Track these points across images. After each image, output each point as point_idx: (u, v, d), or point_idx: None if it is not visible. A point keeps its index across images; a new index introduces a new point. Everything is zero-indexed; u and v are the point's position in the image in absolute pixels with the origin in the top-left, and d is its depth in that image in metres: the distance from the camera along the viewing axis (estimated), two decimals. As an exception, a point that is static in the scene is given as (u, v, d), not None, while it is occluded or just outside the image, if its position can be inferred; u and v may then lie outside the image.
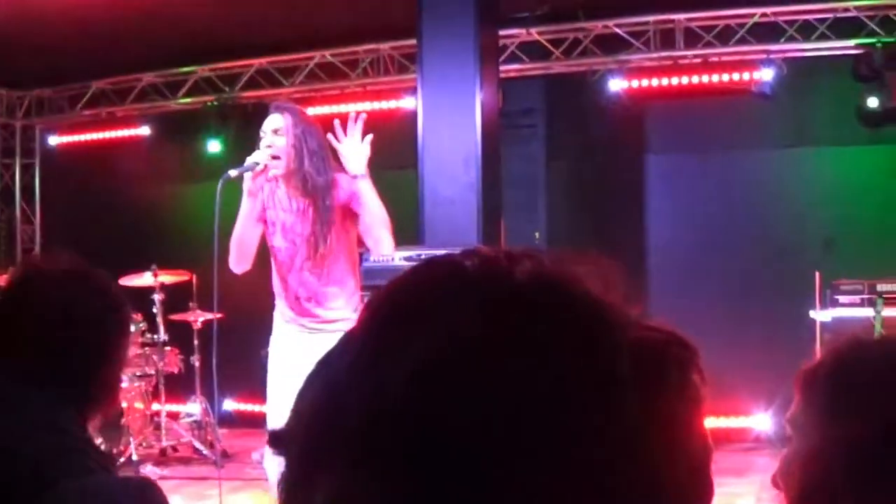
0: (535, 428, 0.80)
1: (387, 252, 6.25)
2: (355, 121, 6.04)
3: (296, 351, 6.08)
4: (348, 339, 0.90)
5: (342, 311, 6.11)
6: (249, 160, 6.00)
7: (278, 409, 6.05)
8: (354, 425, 0.82)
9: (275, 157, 5.99)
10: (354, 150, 6.00)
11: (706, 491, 0.90)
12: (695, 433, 0.89)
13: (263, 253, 6.34)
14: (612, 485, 0.81)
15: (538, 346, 0.82)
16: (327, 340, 5.96)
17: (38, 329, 2.45)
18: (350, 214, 6.07)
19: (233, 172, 6.06)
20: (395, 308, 0.89)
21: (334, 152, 6.09)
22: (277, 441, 0.90)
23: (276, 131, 6.02)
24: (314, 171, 5.97)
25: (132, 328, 2.66)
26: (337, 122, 6.05)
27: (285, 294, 6.21)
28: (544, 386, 0.81)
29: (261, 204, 6.15)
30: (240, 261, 6.18)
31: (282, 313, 6.30)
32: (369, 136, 6.06)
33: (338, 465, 0.82)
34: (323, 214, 5.98)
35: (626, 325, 0.87)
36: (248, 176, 6.01)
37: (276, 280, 6.28)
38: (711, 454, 0.91)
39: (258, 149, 6.05)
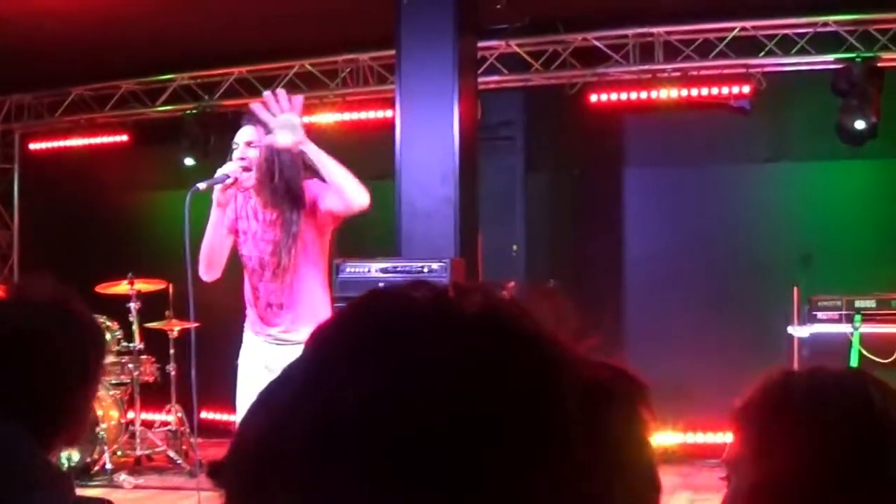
0: (477, 463, 0.79)
1: (360, 200, 5.92)
2: (277, 99, 5.92)
3: (262, 364, 6.08)
4: (292, 370, 0.89)
5: (308, 325, 5.97)
6: (220, 172, 5.96)
7: None
8: (299, 448, 0.81)
9: (246, 169, 5.97)
10: (283, 122, 5.89)
11: None
12: (643, 470, 0.87)
13: (238, 263, 6.34)
14: None
15: (482, 383, 0.82)
16: (293, 353, 6.01)
17: (2, 358, 2.44)
18: (321, 220, 6.05)
19: (202, 185, 6.04)
20: (342, 338, 0.88)
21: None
22: (216, 473, 0.88)
23: (248, 143, 6.00)
24: (284, 184, 5.97)
25: (102, 361, 2.64)
26: (268, 95, 5.94)
27: (255, 302, 6.19)
28: (488, 423, 0.80)
29: (233, 213, 6.17)
30: (209, 270, 6.17)
31: (251, 324, 6.28)
32: (299, 99, 6.04)
33: (282, 489, 0.82)
34: (289, 226, 5.97)
35: (573, 363, 0.86)
36: (217, 187, 5.97)
37: (247, 289, 6.27)
38: (660, 492, 0.89)
39: (230, 159, 6.03)
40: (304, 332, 5.92)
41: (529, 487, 0.80)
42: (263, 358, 6.11)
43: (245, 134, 6.08)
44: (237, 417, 6.36)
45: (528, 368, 0.83)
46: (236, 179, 5.96)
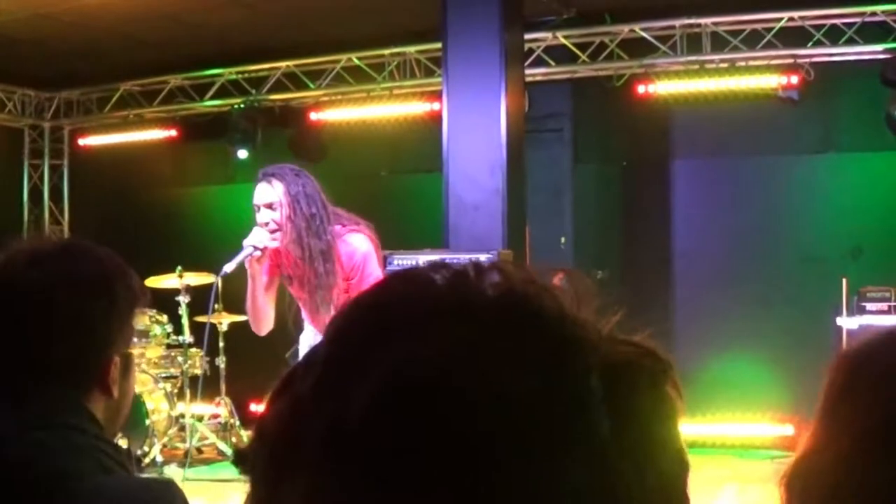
0: (501, 446, 0.79)
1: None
2: None
3: None
4: (311, 357, 0.88)
5: None
6: (247, 244, 5.87)
7: None
8: (319, 442, 0.81)
9: (273, 232, 5.87)
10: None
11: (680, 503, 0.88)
12: (669, 448, 0.86)
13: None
14: (575, 501, 0.80)
15: (505, 365, 0.81)
16: None
17: (22, 317, 2.35)
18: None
19: (229, 268, 6.02)
20: (361, 324, 0.87)
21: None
22: (241, 460, 0.89)
23: (269, 206, 5.89)
24: (314, 239, 5.86)
25: (135, 304, 2.46)
26: None
27: (314, 326, 6.17)
28: (511, 405, 0.80)
29: (269, 266, 6.07)
30: (261, 327, 6.13)
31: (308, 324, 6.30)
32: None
33: (303, 482, 0.81)
34: (323, 279, 5.85)
35: (596, 340, 0.85)
36: (247, 261, 5.90)
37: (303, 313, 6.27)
38: (687, 469, 0.87)
39: (255, 224, 5.94)
40: None
41: (555, 469, 0.80)
42: None
43: (263, 195, 5.94)
44: None
45: (549, 347, 0.83)
46: (265, 248, 5.89)
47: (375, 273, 5.94)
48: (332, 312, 5.89)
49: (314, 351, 0.89)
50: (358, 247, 5.95)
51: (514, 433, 0.79)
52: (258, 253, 5.83)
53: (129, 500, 2.19)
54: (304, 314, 6.25)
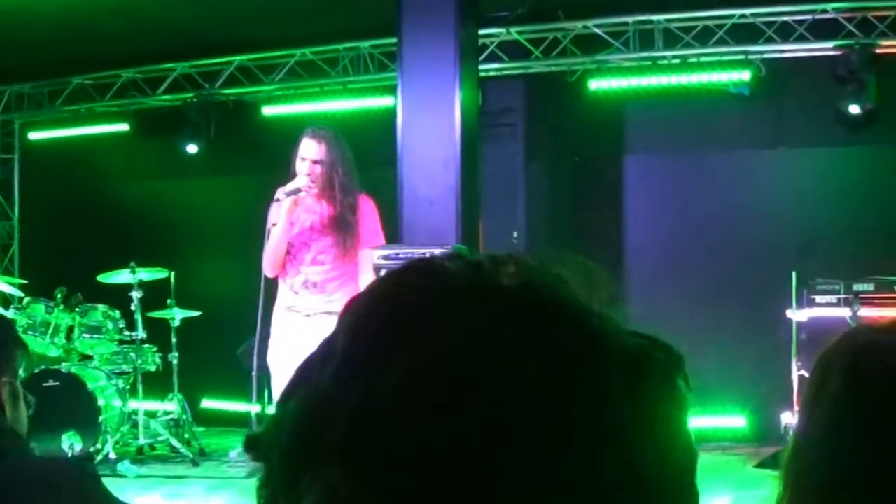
0: (523, 437, 0.79)
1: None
2: None
3: (300, 342, 6.76)
4: (329, 346, 0.88)
5: (340, 304, 6.52)
6: (292, 185, 6.94)
7: None
8: (342, 433, 0.81)
9: (313, 181, 6.96)
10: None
11: (692, 493, 0.88)
12: (681, 437, 0.87)
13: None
14: (601, 491, 0.80)
15: (526, 356, 0.81)
16: (328, 325, 6.58)
17: None
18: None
19: (282, 196, 6.99)
20: (377, 314, 0.87)
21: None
22: (255, 446, 0.89)
23: (314, 161, 6.95)
24: (344, 192, 6.98)
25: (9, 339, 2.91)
26: None
27: (292, 282, 7.03)
28: (533, 396, 0.80)
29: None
30: (275, 267, 7.07)
31: (283, 303, 7.04)
32: None
33: (325, 473, 0.81)
34: (349, 228, 7.02)
35: (613, 331, 0.86)
36: (288, 200, 6.94)
37: (283, 271, 7.10)
38: (697, 458, 0.89)
39: (294, 170, 7.00)
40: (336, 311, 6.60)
41: (582, 459, 0.80)
42: (299, 335, 6.96)
43: (309, 149, 6.97)
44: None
45: (573, 339, 0.83)
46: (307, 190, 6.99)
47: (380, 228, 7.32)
48: (349, 258, 6.94)
49: (330, 342, 0.89)
50: (375, 205, 7.30)
51: (542, 424, 0.80)
52: (302, 193, 6.94)
53: (48, 476, 2.44)
54: (285, 281, 7.10)
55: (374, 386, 0.81)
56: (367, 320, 0.88)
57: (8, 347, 2.81)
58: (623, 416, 0.82)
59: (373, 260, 7.10)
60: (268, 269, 6.99)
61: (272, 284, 7.22)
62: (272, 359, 6.92)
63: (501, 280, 0.87)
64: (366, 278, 6.94)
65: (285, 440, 0.86)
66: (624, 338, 0.87)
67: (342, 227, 6.96)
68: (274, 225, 7.01)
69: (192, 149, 12.58)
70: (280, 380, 6.72)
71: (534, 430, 0.79)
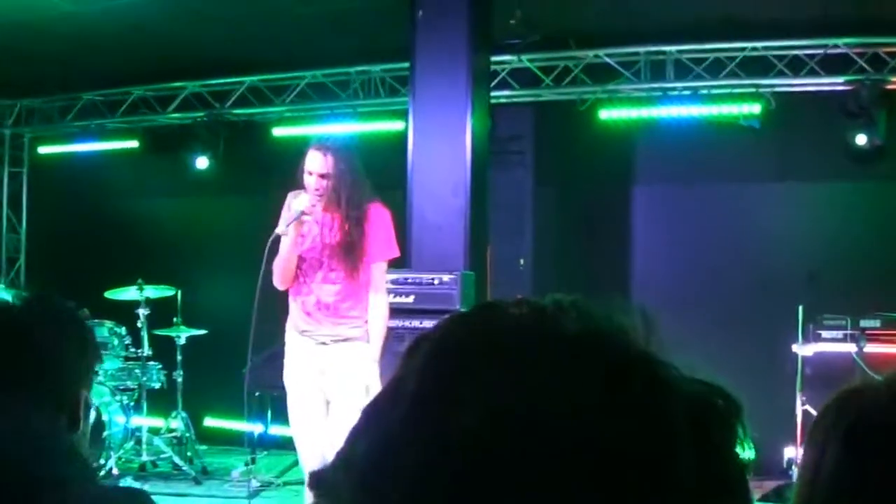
0: (592, 484, 0.80)
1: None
2: None
3: (312, 368, 6.58)
4: (397, 388, 0.89)
5: (356, 326, 6.62)
6: (296, 209, 6.53)
7: (305, 432, 6.58)
8: (417, 473, 0.82)
9: (320, 196, 6.57)
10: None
11: None
12: (741, 481, 0.89)
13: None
14: None
15: (593, 403, 0.83)
16: (342, 352, 6.37)
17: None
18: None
19: (281, 230, 6.61)
20: (445, 358, 0.88)
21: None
22: (319, 485, 0.91)
23: (322, 175, 6.54)
24: (351, 206, 6.60)
25: (94, 351, 2.74)
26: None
27: (304, 300, 6.68)
28: (601, 443, 0.81)
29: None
30: (285, 282, 6.72)
31: (296, 325, 6.72)
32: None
33: None
34: (356, 242, 6.61)
35: (675, 379, 0.88)
36: (294, 224, 6.57)
37: (295, 286, 6.75)
38: (752, 498, 0.91)
39: (301, 184, 6.60)
40: (350, 338, 6.61)
41: None
42: (312, 362, 6.66)
43: (316, 163, 6.57)
44: (294, 429, 6.71)
45: (636, 389, 0.84)
46: (311, 212, 6.57)
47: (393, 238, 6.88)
48: (360, 274, 6.59)
49: (398, 383, 0.90)
50: (389, 214, 6.86)
51: (611, 471, 0.81)
52: (307, 217, 6.53)
53: None
54: (295, 292, 6.75)
55: (444, 429, 0.83)
56: (436, 363, 0.89)
57: (92, 356, 2.67)
58: (689, 462, 0.83)
59: (385, 273, 6.86)
60: (278, 282, 6.74)
61: (271, 300, 6.92)
62: (289, 381, 6.68)
63: (565, 326, 0.88)
64: (378, 296, 6.69)
65: (355, 480, 0.87)
66: (686, 385, 0.88)
67: (351, 242, 6.62)
68: (282, 235, 6.73)
69: (200, 166, 12.61)
70: (297, 404, 6.60)
71: (603, 477, 0.80)
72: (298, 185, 6.71)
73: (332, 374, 6.52)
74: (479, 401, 0.83)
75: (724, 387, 0.92)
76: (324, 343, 6.59)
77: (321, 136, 7.32)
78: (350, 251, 6.60)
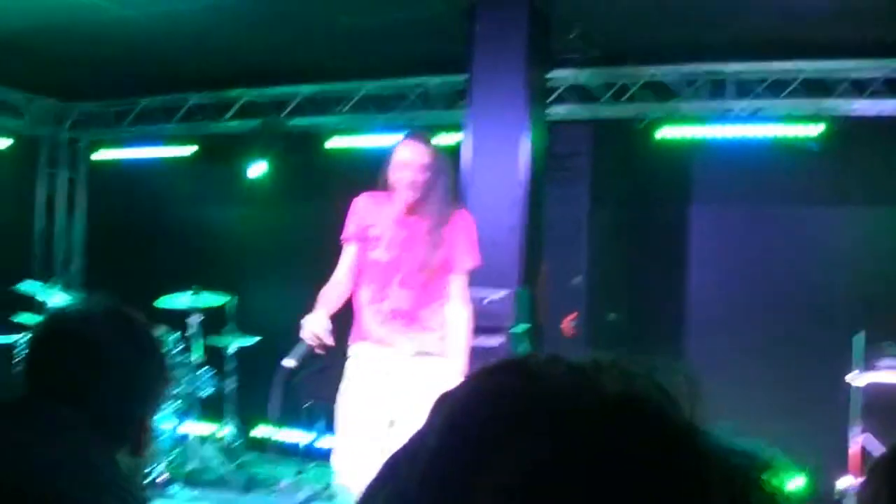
0: None
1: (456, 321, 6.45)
2: None
3: (381, 384, 6.21)
4: (419, 443, 0.87)
5: (435, 339, 6.31)
6: (305, 338, 6.03)
7: (351, 447, 6.19)
8: None
9: (410, 189, 6.30)
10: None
11: None
12: None
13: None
14: None
15: (629, 471, 0.80)
16: (420, 370, 6.12)
17: (71, 368, 2.45)
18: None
19: (290, 363, 6.19)
20: (474, 418, 0.85)
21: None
22: None
23: (421, 167, 6.26)
24: (441, 208, 6.33)
25: (167, 374, 2.65)
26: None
27: (379, 307, 6.33)
28: None
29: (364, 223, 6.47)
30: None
31: (367, 334, 6.36)
32: None
33: None
34: (439, 244, 6.31)
35: (715, 450, 0.85)
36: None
37: (367, 294, 6.40)
38: None
39: (392, 185, 6.32)
40: (427, 352, 6.28)
41: None
42: (379, 376, 6.34)
43: (416, 154, 6.32)
44: (338, 436, 6.41)
45: (673, 458, 0.82)
46: (322, 339, 6.03)
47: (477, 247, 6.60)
48: (441, 283, 6.33)
49: (420, 438, 0.87)
50: (474, 222, 6.64)
51: None
52: (315, 342, 6.00)
53: None
54: (366, 297, 6.38)
55: (471, 492, 0.80)
56: (463, 421, 0.86)
57: (166, 382, 2.67)
58: None
59: (467, 284, 6.52)
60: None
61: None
62: (350, 394, 6.26)
63: (604, 387, 0.85)
64: (462, 306, 6.39)
65: None
66: (725, 456, 0.85)
67: (435, 248, 6.29)
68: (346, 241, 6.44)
69: (255, 174, 12.63)
70: (352, 418, 6.21)
71: None
72: (384, 184, 6.39)
73: (407, 393, 6.10)
74: (500, 471, 0.80)
75: (768, 454, 0.89)
76: (399, 356, 6.21)
77: (416, 130, 7.05)
78: (433, 257, 6.31)
